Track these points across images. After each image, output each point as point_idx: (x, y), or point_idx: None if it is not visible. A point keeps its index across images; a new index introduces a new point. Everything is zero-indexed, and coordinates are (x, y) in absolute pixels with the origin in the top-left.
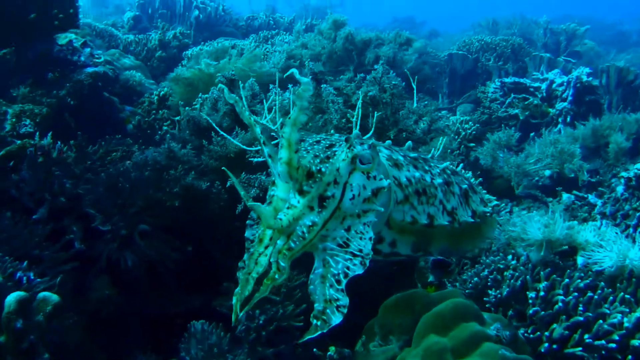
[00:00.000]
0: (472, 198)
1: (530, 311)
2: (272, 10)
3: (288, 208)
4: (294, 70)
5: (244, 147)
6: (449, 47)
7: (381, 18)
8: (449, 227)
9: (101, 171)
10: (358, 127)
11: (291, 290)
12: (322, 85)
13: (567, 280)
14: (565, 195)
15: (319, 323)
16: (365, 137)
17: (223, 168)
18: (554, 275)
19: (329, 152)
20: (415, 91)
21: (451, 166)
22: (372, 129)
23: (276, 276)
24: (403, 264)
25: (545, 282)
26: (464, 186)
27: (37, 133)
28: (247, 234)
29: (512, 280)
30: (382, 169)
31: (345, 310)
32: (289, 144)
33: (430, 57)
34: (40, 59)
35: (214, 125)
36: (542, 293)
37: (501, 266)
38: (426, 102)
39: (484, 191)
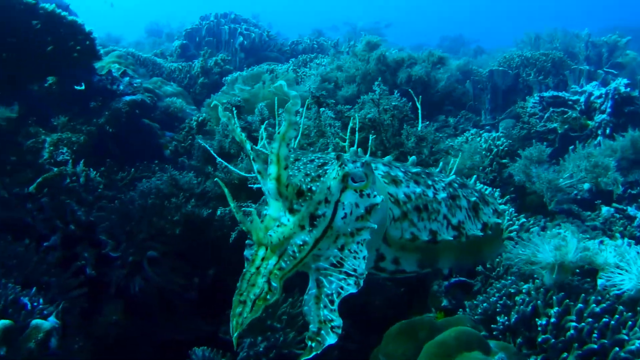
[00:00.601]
0: (483, 210)
1: (540, 339)
2: (317, 34)
3: (278, 226)
4: (283, 83)
5: (244, 174)
6: (493, 64)
7: (430, 38)
8: (455, 242)
9: (116, 199)
10: (355, 146)
11: (293, 317)
12: (320, 109)
13: (580, 305)
14: (604, 209)
15: (313, 344)
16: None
17: (221, 184)
18: (567, 300)
19: (320, 171)
20: (420, 111)
21: (459, 179)
22: (369, 152)
23: (267, 296)
24: (414, 287)
25: (557, 308)
26: (473, 199)
27: (70, 161)
28: (246, 253)
29: (522, 306)
30: (376, 186)
31: (339, 331)
32: (278, 160)
33: (473, 74)
34: (77, 90)
35: (210, 151)
36: (553, 319)
37: (512, 290)
38: (433, 124)
39: (500, 201)
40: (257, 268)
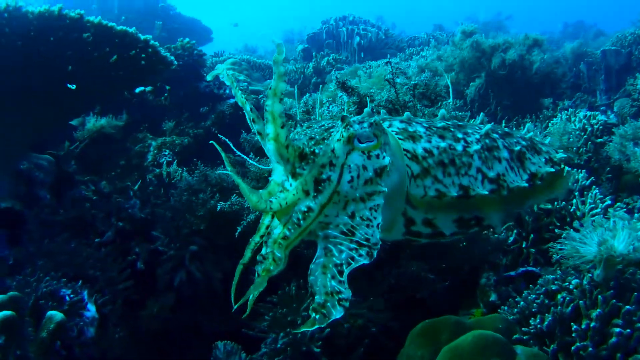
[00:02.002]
0: (532, 160)
1: (575, 346)
2: (438, 29)
3: (281, 192)
4: (270, 33)
5: (262, 167)
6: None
7: (553, 26)
8: (495, 196)
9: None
10: (370, 110)
11: None
12: (337, 93)
13: (629, 307)
14: None
15: (317, 317)
16: None
17: (214, 144)
18: (614, 301)
19: (325, 134)
20: (450, 89)
21: (501, 129)
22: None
23: (271, 267)
24: (463, 280)
25: (600, 310)
26: (517, 148)
27: (164, 162)
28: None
29: (560, 307)
30: (391, 145)
31: (347, 304)
32: (273, 118)
33: (587, 56)
34: (189, 96)
35: (230, 144)
36: (594, 323)
37: (554, 287)
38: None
39: (560, 151)
40: (262, 237)
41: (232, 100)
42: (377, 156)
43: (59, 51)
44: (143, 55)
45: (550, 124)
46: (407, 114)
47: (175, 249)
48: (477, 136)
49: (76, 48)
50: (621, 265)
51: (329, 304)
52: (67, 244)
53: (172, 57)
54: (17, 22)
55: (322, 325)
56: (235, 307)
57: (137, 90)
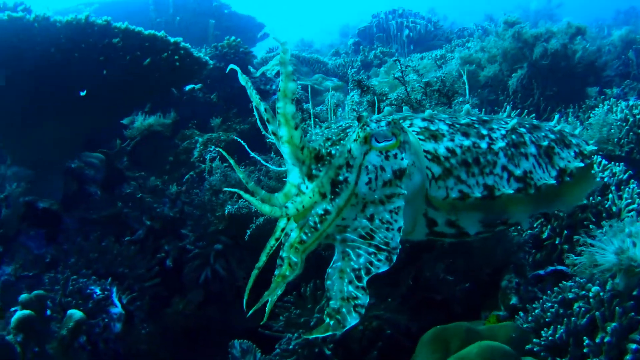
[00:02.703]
0: (561, 154)
1: None
2: (488, 19)
3: (297, 195)
4: (276, 39)
5: (276, 168)
6: None
7: (605, 12)
8: (522, 195)
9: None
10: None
11: None
12: (350, 93)
13: None
14: None
15: (332, 322)
16: None
17: (219, 150)
18: (632, 314)
19: (342, 135)
20: (467, 86)
21: (529, 121)
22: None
23: (287, 272)
24: (484, 282)
25: (616, 323)
26: (545, 142)
27: (208, 157)
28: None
29: (574, 317)
30: (411, 147)
31: (362, 311)
32: (286, 120)
33: (637, 42)
34: (236, 93)
35: (245, 146)
36: (608, 338)
37: (570, 295)
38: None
39: (591, 142)
40: (277, 240)
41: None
42: (395, 156)
43: (92, 56)
44: (176, 57)
45: (591, 115)
46: (428, 111)
47: (201, 247)
48: (503, 132)
49: (108, 53)
50: None
51: (344, 309)
52: (99, 242)
53: (207, 58)
54: (47, 31)
55: (337, 333)
56: (250, 312)
57: (187, 88)
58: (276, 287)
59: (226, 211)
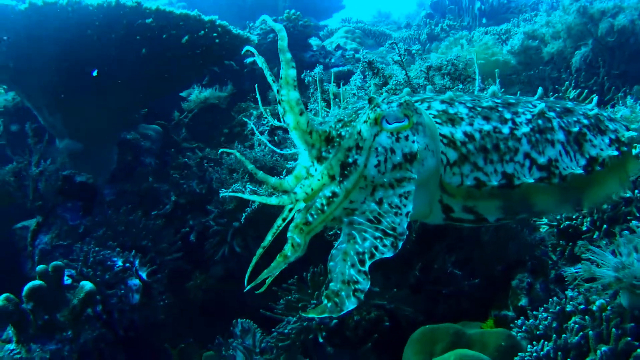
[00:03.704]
0: (593, 142)
1: None
2: None
3: (306, 178)
4: (266, 17)
5: (284, 151)
6: None
7: None
8: (545, 185)
9: None
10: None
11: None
12: (353, 77)
13: None
14: None
15: (329, 305)
16: None
17: (227, 150)
18: (629, 338)
19: (354, 116)
20: (477, 70)
21: (562, 104)
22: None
23: (289, 253)
24: (495, 279)
25: (606, 347)
26: (576, 128)
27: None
28: None
29: (565, 334)
30: (424, 130)
31: (362, 296)
32: (290, 107)
33: None
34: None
35: (253, 127)
36: None
37: (569, 308)
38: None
39: (634, 126)
40: (284, 219)
41: (335, 69)
42: (407, 138)
43: (129, 37)
44: (214, 34)
45: None
46: (449, 93)
47: (221, 225)
48: (529, 116)
49: (143, 33)
50: None
51: (343, 292)
52: (127, 215)
53: (248, 34)
54: (80, 15)
55: (333, 315)
56: (247, 288)
57: (248, 60)
58: (276, 267)
59: (220, 195)
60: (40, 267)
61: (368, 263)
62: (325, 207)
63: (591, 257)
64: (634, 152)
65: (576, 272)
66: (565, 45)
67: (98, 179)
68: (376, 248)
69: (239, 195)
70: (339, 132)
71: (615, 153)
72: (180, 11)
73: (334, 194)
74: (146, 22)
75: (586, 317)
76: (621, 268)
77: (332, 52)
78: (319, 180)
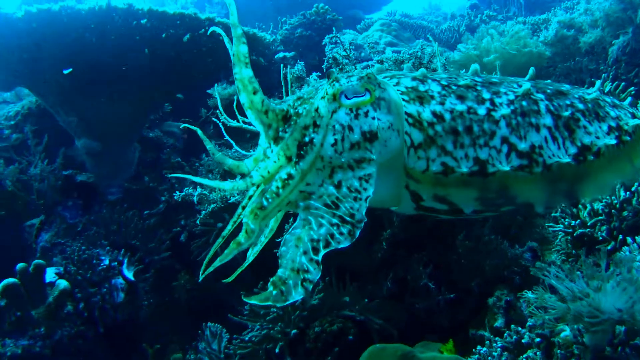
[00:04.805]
0: (588, 128)
1: None
2: None
3: (262, 160)
4: None
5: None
6: None
7: None
8: (525, 174)
9: None
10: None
11: (288, 314)
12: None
13: None
14: None
15: (274, 292)
16: None
17: (189, 126)
18: None
19: (313, 92)
20: (438, 59)
21: (555, 86)
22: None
23: (242, 239)
24: (470, 293)
25: None
26: (566, 113)
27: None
28: None
29: None
30: (388, 105)
31: (310, 287)
32: (244, 85)
33: None
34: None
35: (222, 129)
36: None
37: (525, 340)
38: None
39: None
40: (244, 207)
41: (364, 63)
42: (367, 114)
43: (127, 38)
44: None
45: None
46: (422, 70)
47: (206, 225)
48: (512, 97)
49: (141, 33)
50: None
51: (290, 281)
52: (121, 213)
53: (254, 31)
54: (74, 18)
55: (277, 304)
56: (201, 278)
57: (277, 56)
58: (229, 254)
59: (175, 197)
60: (20, 265)
61: (322, 252)
62: (281, 190)
63: (552, 280)
64: None
65: (536, 298)
66: (604, 35)
67: (118, 177)
68: (332, 236)
69: (187, 177)
70: (296, 110)
71: (613, 142)
72: (174, 10)
73: (290, 176)
74: (141, 22)
75: (537, 353)
76: (575, 298)
77: (362, 46)
78: (275, 162)
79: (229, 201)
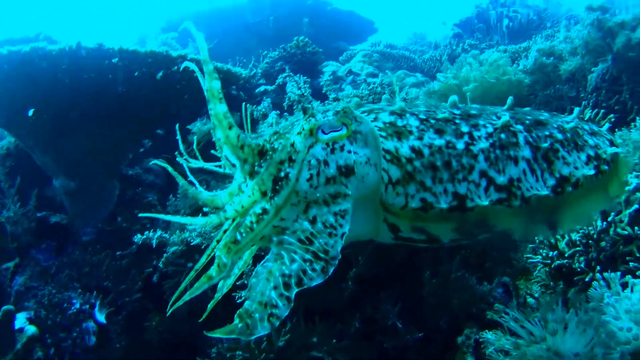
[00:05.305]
0: (566, 159)
1: None
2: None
3: (236, 195)
4: (188, 23)
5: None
6: None
7: None
8: (504, 207)
9: None
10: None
11: (254, 357)
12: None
13: None
14: None
15: (240, 325)
16: None
17: (160, 163)
18: None
19: (289, 127)
20: (397, 93)
21: (534, 116)
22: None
23: (213, 273)
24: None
25: None
26: (545, 144)
27: None
28: None
29: None
30: (365, 139)
31: (276, 322)
32: (219, 121)
33: None
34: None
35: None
36: None
37: None
38: None
39: (619, 141)
40: (218, 241)
41: (344, 93)
42: (342, 148)
43: (101, 77)
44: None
45: None
46: (400, 104)
47: (179, 265)
48: (490, 130)
49: (113, 72)
50: None
51: (257, 315)
52: (94, 255)
53: (228, 67)
54: (45, 59)
55: (242, 338)
56: (169, 312)
57: (258, 90)
58: (200, 287)
59: (135, 239)
60: None
61: (295, 290)
62: (255, 225)
63: (510, 322)
64: (621, 168)
65: (496, 340)
66: (584, 62)
67: (96, 217)
68: (304, 272)
69: (158, 216)
70: (272, 145)
71: (592, 172)
72: (145, 49)
73: (264, 211)
74: (113, 61)
75: None
76: (531, 343)
77: (343, 78)
78: (249, 196)
79: (192, 243)
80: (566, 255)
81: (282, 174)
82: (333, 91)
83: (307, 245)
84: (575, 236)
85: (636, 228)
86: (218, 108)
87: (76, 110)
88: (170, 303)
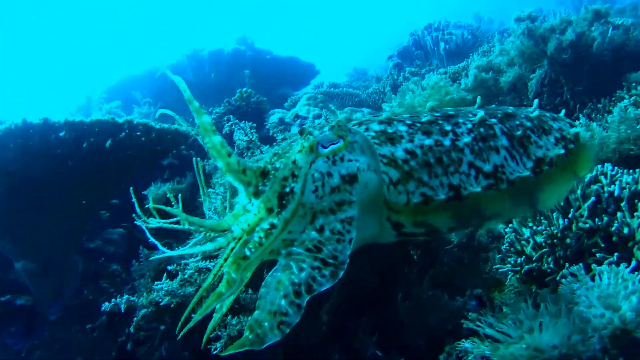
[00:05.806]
0: (538, 143)
1: None
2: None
3: (242, 215)
4: (166, 70)
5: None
6: None
7: None
8: (493, 192)
9: None
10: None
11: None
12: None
13: None
14: None
15: (251, 336)
16: None
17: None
18: None
19: (288, 148)
20: (339, 113)
21: (502, 110)
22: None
23: (223, 289)
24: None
25: None
26: (519, 132)
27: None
28: None
29: None
30: (361, 147)
31: (287, 330)
32: (217, 151)
33: None
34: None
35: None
36: None
37: None
38: None
39: (578, 123)
40: (225, 259)
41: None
42: (342, 159)
43: (50, 151)
44: (138, 133)
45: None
46: (386, 113)
47: (149, 330)
48: (470, 125)
49: (61, 145)
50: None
51: (267, 323)
52: (64, 332)
53: (175, 127)
54: None
55: (255, 348)
56: (180, 334)
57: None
58: (210, 305)
59: (104, 307)
60: None
61: (306, 297)
62: (264, 240)
63: (485, 329)
64: (585, 147)
65: (474, 347)
66: (522, 71)
67: (62, 294)
68: (314, 279)
69: (170, 253)
70: (273, 165)
71: (562, 151)
72: (90, 118)
73: (272, 226)
74: (59, 135)
75: None
76: (509, 344)
77: (290, 123)
78: (255, 214)
79: (161, 304)
80: (534, 258)
81: (287, 189)
82: (280, 132)
83: (315, 253)
84: (539, 238)
85: (597, 220)
86: (214, 139)
87: (29, 188)
88: (179, 326)
